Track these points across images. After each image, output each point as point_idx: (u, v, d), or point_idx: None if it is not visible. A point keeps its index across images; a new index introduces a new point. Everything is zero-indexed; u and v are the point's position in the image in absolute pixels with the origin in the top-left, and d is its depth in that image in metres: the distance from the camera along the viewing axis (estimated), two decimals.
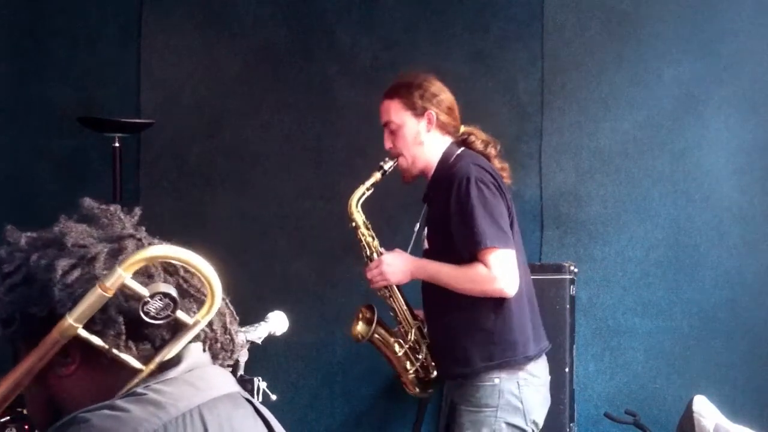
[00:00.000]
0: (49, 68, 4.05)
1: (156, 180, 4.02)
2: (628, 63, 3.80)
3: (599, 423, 3.63)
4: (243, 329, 2.37)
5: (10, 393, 1.05)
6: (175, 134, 4.01)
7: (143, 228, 1.16)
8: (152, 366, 1.06)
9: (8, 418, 2.71)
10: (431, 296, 2.69)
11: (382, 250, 2.75)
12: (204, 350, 1.13)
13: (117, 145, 3.54)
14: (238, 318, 1.19)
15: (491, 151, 2.76)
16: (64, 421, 1.02)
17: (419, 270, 2.65)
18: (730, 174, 3.73)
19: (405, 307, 2.77)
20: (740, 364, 3.68)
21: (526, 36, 3.86)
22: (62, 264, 1.04)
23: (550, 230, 3.81)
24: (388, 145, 2.75)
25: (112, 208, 1.15)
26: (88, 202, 1.15)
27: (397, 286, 2.75)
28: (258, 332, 2.66)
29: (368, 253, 2.76)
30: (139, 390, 1.03)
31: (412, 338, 2.75)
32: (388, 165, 2.74)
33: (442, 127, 2.71)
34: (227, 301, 1.17)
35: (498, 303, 2.57)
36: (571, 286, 3.41)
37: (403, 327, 2.77)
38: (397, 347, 2.74)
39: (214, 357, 1.15)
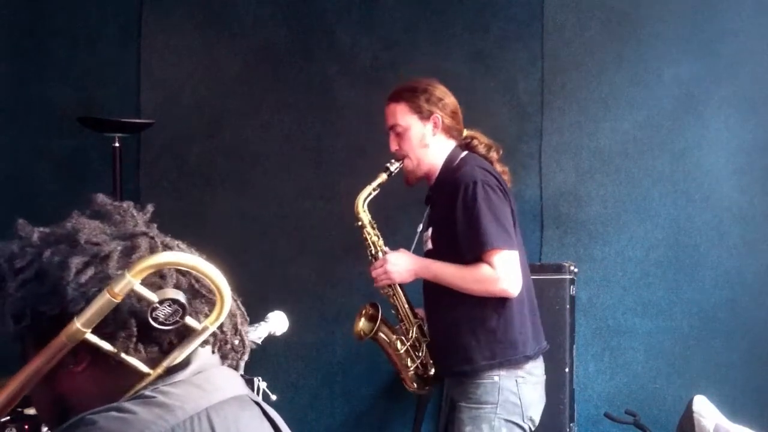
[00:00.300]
0: (49, 68, 4.05)
1: (156, 180, 4.02)
2: (628, 63, 3.80)
3: (599, 423, 3.63)
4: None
5: (17, 393, 1.05)
6: (175, 134, 4.01)
7: (155, 225, 1.15)
8: (159, 370, 1.06)
9: (8, 418, 2.71)
10: (433, 295, 2.74)
11: (386, 249, 2.79)
12: (213, 352, 1.12)
13: (117, 145, 3.54)
14: (248, 319, 1.19)
15: (493, 155, 2.82)
16: (71, 422, 1.02)
17: (424, 270, 2.70)
18: (730, 174, 3.73)
19: (407, 306, 2.82)
20: (740, 364, 3.69)
21: (526, 36, 3.86)
22: (75, 262, 1.03)
23: (550, 230, 3.82)
24: (393, 147, 2.80)
25: (125, 204, 1.14)
26: (101, 198, 1.14)
27: (400, 285, 2.79)
28: (258, 332, 2.67)
29: (373, 252, 2.81)
30: (147, 392, 1.03)
31: (413, 336, 2.80)
32: (394, 166, 2.79)
33: (447, 131, 2.77)
34: (239, 302, 1.17)
35: (500, 302, 2.62)
36: (571, 286, 3.41)
37: (405, 325, 2.82)
38: (399, 344, 2.79)
39: (224, 358, 1.14)
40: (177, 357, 1.06)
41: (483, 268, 2.56)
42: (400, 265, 2.71)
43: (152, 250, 1.07)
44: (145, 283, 1.02)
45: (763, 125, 3.73)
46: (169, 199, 3.95)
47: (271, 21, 4.02)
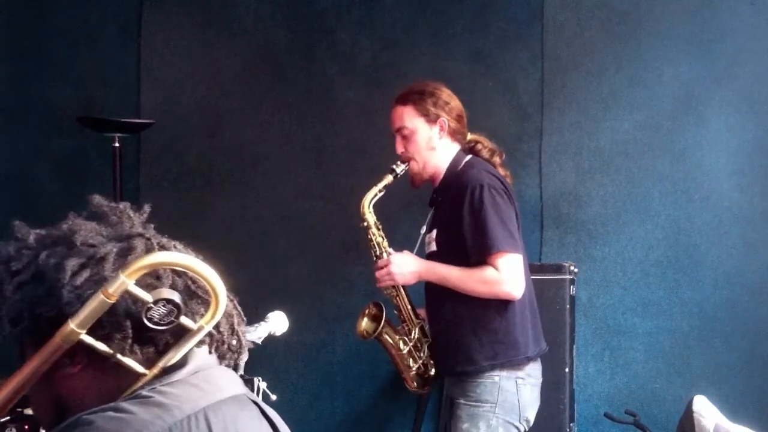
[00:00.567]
0: (49, 68, 4.05)
1: (156, 180, 4.02)
2: (628, 63, 3.80)
3: (599, 423, 3.63)
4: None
5: (15, 394, 1.05)
6: (175, 134, 4.01)
7: (152, 226, 1.15)
8: (156, 370, 1.06)
9: (8, 418, 2.72)
10: (435, 296, 2.76)
11: (391, 250, 2.81)
12: (210, 352, 1.12)
13: (117, 145, 3.54)
14: (245, 319, 1.19)
15: (496, 159, 2.86)
16: (69, 422, 1.02)
17: (428, 272, 2.72)
18: (730, 174, 3.73)
19: (409, 307, 2.85)
20: (740, 364, 3.68)
21: (526, 36, 3.86)
22: (71, 264, 1.03)
23: (550, 230, 3.81)
24: (400, 149, 2.83)
25: (121, 205, 1.14)
26: (97, 199, 1.14)
27: (403, 286, 2.82)
28: (258, 332, 2.67)
29: (378, 252, 2.82)
30: (145, 392, 1.03)
31: (416, 336, 2.82)
32: (400, 168, 2.82)
33: (452, 134, 2.81)
34: (235, 302, 1.17)
35: (502, 304, 2.65)
36: (571, 286, 3.41)
37: (407, 325, 2.85)
38: (402, 345, 2.82)
39: (221, 358, 1.14)
40: (173, 357, 1.06)
41: (488, 271, 2.60)
42: (404, 266, 2.74)
43: (148, 251, 1.06)
44: (141, 284, 1.02)
45: (763, 125, 3.73)
46: (169, 199, 3.95)
47: (271, 21, 4.02)
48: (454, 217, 2.66)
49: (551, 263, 3.50)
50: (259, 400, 1.18)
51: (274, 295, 3.30)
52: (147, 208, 1.17)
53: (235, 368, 1.18)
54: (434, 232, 2.79)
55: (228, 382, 1.11)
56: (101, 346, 1.03)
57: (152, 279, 1.05)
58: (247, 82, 4.01)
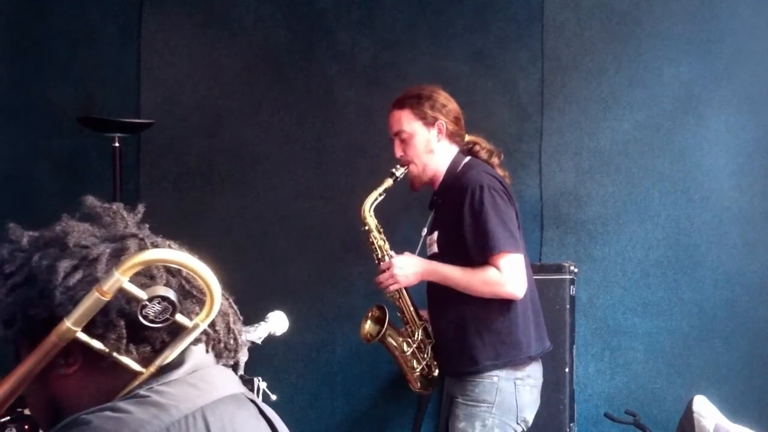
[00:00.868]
0: (49, 68, 4.05)
1: (156, 180, 4.01)
2: (628, 63, 3.80)
3: (599, 423, 3.63)
4: (243, 329, 2.38)
5: (10, 394, 1.05)
6: (175, 134, 4.01)
7: (146, 226, 1.15)
8: (152, 369, 1.05)
9: (8, 418, 2.71)
10: (438, 297, 2.77)
11: (392, 253, 2.82)
12: (207, 351, 1.12)
13: (117, 145, 3.53)
14: (242, 318, 1.18)
15: (495, 160, 2.88)
16: (66, 422, 1.02)
17: (431, 272, 2.73)
18: (730, 174, 3.73)
19: (412, 308, 2.85)
20: (740, 364, 3.68)
21: (526, 36, 3.86)
22: (63, 265, 1.03)
23: (550, 230, 3.81)
24: (398, 153, 2.84)
25: (114, 206, 1.14)
26: (90, 200, 1.14)
27: (406, 288, 2.82)
28: (258, 332, 2.67)
29: (379, 256, 2.83)
30: (142, 392, 1.03)
31: (419, 338, 2.83)
32: (399, 172, 2.83)
33: (450, 137, 2.82)
34: (231, 300, 1.17)
35: (505, 304, 2.66)
36: (571, 286, 3.41)
37: (410, 327, 2.85)
38: (405, 346, 2.83)
39: (218, 357, 1.14)
40: (169, 355, 1.06)
41: (490, 271, 2.61)
42: (406, 268, 2.74)
43: (141, 251, 1.06)
44: (134, 284, 1.02)
45: (763, 125, 3.73)
46: (169, 199, 3.95)
47: (271, 21, 4.02)
48: (455, 219, 2.67)
49: (551, 263, 3.50)
50: (257, 399, 1.17)
51: (274, 295, 3.29)
52: (141, 208, 1.17)
53: (235, 368, 1.18)
54: (435, 234, 2.80)
55: (225, 381, 1.11)
56: (97, 344, 1.03)
57: (146, 279, 1.05)
58: (247, 82, 4.01)
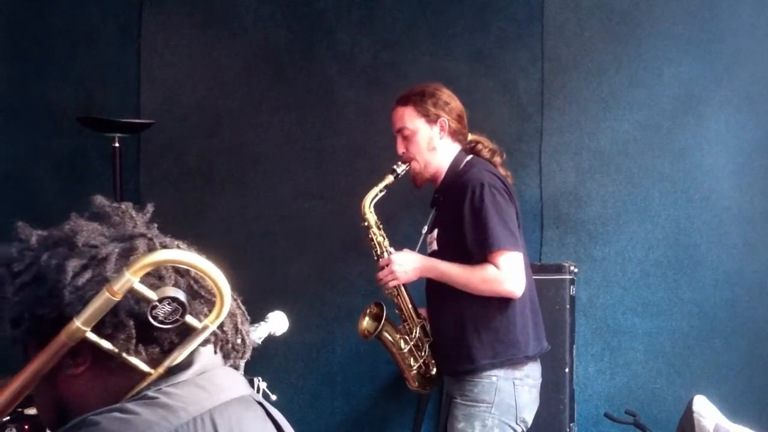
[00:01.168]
0: (49, 68, 4.05)
1: (156, 180, 4.01)
2: (628, 63, 3.80)
3: (599, 423, 3.63)
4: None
5: (19, 393, 1.04)
6: (175, 134, 4.01)
7: (155, 226, 1.14)
8: (161, 370, 1.05)
9: (8, 418, 2.71)
10: (436, 295, 2.77)
11: (391, 249, 2.82)
12: (215, 352, 1.12)
13: (117, 145, 3.53)
14: (249, 318, 1.18)
15: (497, 159, 2.87)
16: (74, 423, 1.01)
17: (430, 269, 2.73)
18: (730, 174, 3.73)
19: (410, 306, 2.85)
20: (740, 364, 3.69)
21: (526, 36, 3.86)
22: (72, 265, 1.03)
23: (550, 230, 3.82)
24: (401, 150, 2.84)
25: (123, 206, 1.14)
26: (99, 200, 1.13)
27: (404, 285, 2.82)
28: (258, 332, 2.67)
29: (379, 252, 2.84)
30: (150, 393, 1.03)
31: (416, 336, 2.83)
32: (401, 169, 2.83)
33: (453, 135, 2.82)
34: (239, 301, 1.16)
35: (503, 302, 2.66)
36: (571, 286, 3.41)
37: (408, 324, 2.85)
38: (402, 343, 2.83)
39: (226, 358, 1.14)
40: (178, 356, 1.06)
41: (489, 269, 2.60)
42: (405, 264, 2.74)
43: (150, 251, 1.06)
44: (144, 284, 1.02)
45: (763, 125, 3.73)
46: (169, 199, 3.94)
47: (271, 21, 4.02)
48: (455, 216, 2.67)
49: (551, 263, 3.50)
50: (264, 401, 1.17)
51: (274, 295, 3.29)
52: (150, 207, 1.17)
53: (236, 368, 1.17)
54: (435, 232, 2.80)
55: (233, 383, 1.11)
56: (106, 344, 1.02)
57: (155, 279, 1.04)
58: (247, 82, 4.01)
